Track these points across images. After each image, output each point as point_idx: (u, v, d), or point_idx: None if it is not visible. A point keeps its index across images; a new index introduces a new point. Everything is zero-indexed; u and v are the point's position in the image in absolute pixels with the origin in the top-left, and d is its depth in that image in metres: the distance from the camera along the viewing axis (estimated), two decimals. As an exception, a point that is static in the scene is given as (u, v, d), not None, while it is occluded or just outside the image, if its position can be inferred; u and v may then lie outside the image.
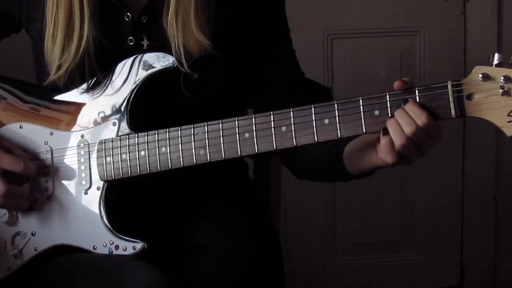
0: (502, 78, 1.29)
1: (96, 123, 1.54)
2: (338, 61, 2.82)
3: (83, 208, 1.53)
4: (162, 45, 1.53)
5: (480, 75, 1.30)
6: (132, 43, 1.57)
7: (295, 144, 1.40)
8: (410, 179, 2.91)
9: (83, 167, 1.54)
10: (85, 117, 1.55)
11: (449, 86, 1.32)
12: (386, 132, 1.35)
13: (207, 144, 1.45)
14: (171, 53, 1.50)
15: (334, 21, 2.79)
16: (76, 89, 1.56)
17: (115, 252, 1.50)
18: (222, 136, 1.44)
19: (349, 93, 2.78)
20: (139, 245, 1.48)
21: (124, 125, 1.52)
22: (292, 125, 1.40)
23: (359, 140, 1.44)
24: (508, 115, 1.29)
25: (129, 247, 1.49)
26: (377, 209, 2.91)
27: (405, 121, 1.33)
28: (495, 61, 1.30)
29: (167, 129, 1.47)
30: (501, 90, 1.29)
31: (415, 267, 2.98)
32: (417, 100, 1.34)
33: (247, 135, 1.43)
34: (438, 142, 1.36)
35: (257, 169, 1.91)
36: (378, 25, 2.81)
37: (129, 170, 1.50)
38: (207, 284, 1.48)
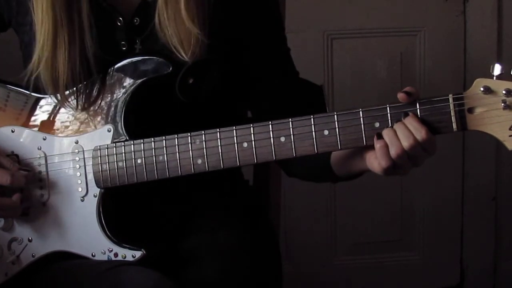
0: (504, 91, 1.28)
1: (90, 129, 1.53)
2: (338, 61, 2.82)
3: (80, 215, 1.52)
4: (155, 49, 1.52)
5: (482, 88, 1.29)
6: (125, 48, 1.56)
7: (294, 155, 1.39)
8: (410, 179, 2.90)
9: (78, 174, 1.53)
10: (79, 123, 1.54)
11: (451, 100, 1.31)
12: (380, 136, 1.35)
13: (205, 154, 1.44)
14: (164, 57, 1.49)
15: (334, 21, 2.79)
16: (70, 93, 1.54)
17: (114, 259, 1.49)
18: (220, 145, 1.43)
19: (349, 93, 2.80)
20: (138, 253, 1.48)
21: (119, 131, 1.50)
22: (292, 135, 1.39)
23: None
24: (510, 129, 1.29)
25: (128, 255, 1.48)
26: (377, 209, 2.91)
27: (404, 134, 1.32)
28: (496, 72, 1.28)
29: (164, 137, 1.46)
30: (502, 104, 1.28)
31: (415, 267, 2.98)
32: (418, 114, 1.33)
33: (245, 144, 1.41)
34: (432, 155, 1.35)
35: (257, 170, 1.91)
36: (378, 25, 2.80)
37: (126, 178, 1.49)
38: (208, 285, 1.48)
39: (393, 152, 1.33)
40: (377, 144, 1.34)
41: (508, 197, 2.93)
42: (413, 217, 2.95)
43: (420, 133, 1.31)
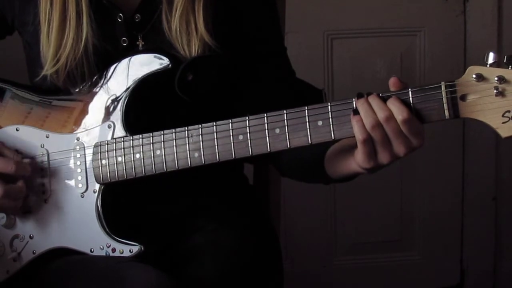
0: (496, 78, 1.27)
1: (91, 126, 1.54)
2: (338, 61, 2.82)
3: (79, 211, 1.53)
4: (157, 45, 1.52)
5: (474, 76, 1.28)
6: (125, 44, 1.56)
7: (288, 146, 1.39)
8: (410, 180, 2.91)
9: (79, 170, 1.53)
10: (80, 120, 1.55)
11: (443, 87, 1.30)
12: (356, 112, 1.34)
13: (201, 147, 1.44)
14: (165, 54, 1.50)
15: (334, 21, 2.79)
16: (72, 91, 1.56)
17: (112, 254, 1.50)
18: (216, 138, 1.43)
19: (349, 93, 2.79)
20: (135, 248, 1.48)
21: (119, 127, 1.51)
22: (286, 127, 1.39)
23: (339, 144, 1.43)
24: (503, 115, 1.27)
25: (126, 250, 1.49)
26: (377, 209, 2.91)
27: (379, 106, 1.32)
28: (490, 61, 1.28)
29: (162, 132, 1.47)
30: (495, 91, 1.27)
31: (415, 267, 2.98)
32: (411, 101, 1.32)
33: (241, 137, 1.42)
34: (417, 147, 1.33)
35: (257, 170, 1.91)
36: (378, 25, 2.81)
37: (125, 173, 1.49)
38: (208, 284, 1.48)
39: (368, 122, 1.32)
40: (354, 120, 1.33)
41: (508, 197, 2.93)
42: (413, 217, 2.95)
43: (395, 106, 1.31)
